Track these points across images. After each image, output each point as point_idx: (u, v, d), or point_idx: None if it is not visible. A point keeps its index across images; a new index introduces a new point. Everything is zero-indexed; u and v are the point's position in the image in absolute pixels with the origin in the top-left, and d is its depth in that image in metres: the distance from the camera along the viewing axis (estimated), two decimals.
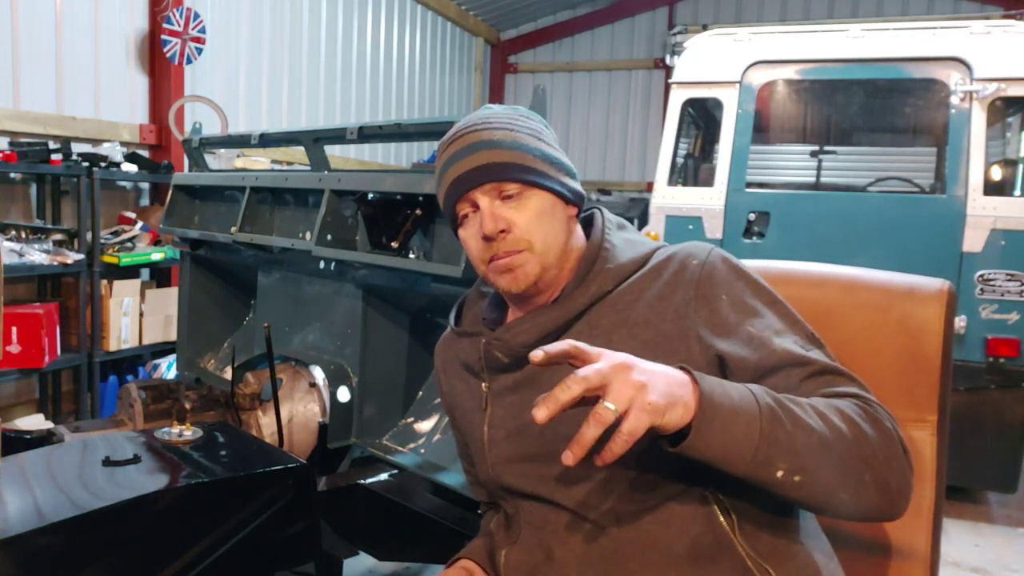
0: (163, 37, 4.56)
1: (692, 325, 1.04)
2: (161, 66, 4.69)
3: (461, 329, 1.22)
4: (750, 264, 1.16)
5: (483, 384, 1.16)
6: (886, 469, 0.93)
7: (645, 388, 0.84)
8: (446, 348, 1.27)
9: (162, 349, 4.41)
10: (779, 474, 0.89)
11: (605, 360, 0.86)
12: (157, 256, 4.32)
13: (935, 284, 1.17)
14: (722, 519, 0.99)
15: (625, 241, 1.15)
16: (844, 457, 0.91)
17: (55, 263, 3.76)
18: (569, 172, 1.14)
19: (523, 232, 1.08)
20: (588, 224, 1.19)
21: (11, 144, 3.80)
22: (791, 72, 3.79)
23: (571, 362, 0.88)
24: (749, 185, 3.84)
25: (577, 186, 1.14)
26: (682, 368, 0.90)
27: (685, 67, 3.95)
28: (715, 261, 1.07)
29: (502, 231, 1.07)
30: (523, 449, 1.11)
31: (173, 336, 3.94)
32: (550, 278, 1.11)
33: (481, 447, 1.16)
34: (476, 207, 1.10)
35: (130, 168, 4.27)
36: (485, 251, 1.09)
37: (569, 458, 0.84)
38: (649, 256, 1.13)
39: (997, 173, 3.66)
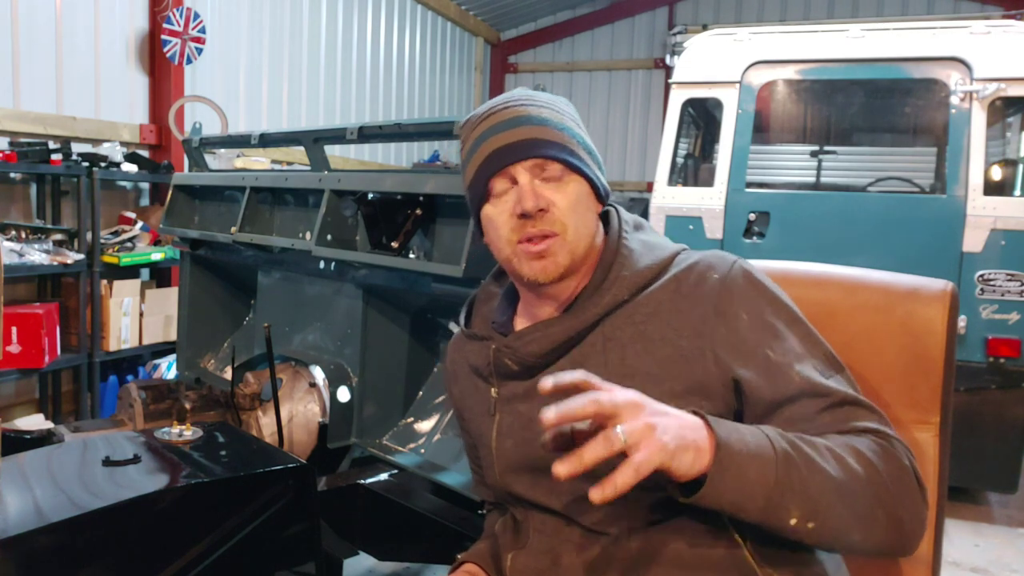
0: (163, 37, 4.56)
1: (709, 344, 1.00)
2: (161, 66, 4.69)
3: (471, 332, 1.18)
4: (757, 263, 1.13)
5: (492, 389, 1.13)
6: (899, 507, 0.92)
7: (655, 429, 0.81)
8: (456, 349, 1.24)
9: (162, 349, 4.41)
10: (792, 521, 0.88)
11: (619, 394, 0.84)
12: (157, 256, 4.32)
13: (938, 285, 1.17)
14: (733, 531, 0.97)
15: (643, 244, 1.10)
16: (858, 499, 0.90)
17: (55, 263, 3.76)
18: (601, 167, 1.11)
19: (561, 214, 1.03)
20: (603, 222, 1.14)
21: (11, 144, 3.80)
22: (791, 72, 3.79)
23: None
24: (749, 185, 3.84)
25: (606, 183, 1.11)
26: (695, 413, 0.88)
27: (685, 67, 3.95)
28: (736, 276, 1.03)
29: (541, 210, 1.02)
30: (532, 460, 1.08)
31: (173, 336, 3.94)
32: (574, 269, 1.06)
33: (489, 453, 1.14)
34: (512, 183, 1.05)
35: (130, 168, 4.27)
36: (516, 231, 1.04)
37: (561, 471, 0.80)
38: (668, 263, 1.07)
39: (997, 173, 3.65)
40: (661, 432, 0.81)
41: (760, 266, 1.10)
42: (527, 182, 1.03)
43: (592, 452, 0.80)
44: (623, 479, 0.79)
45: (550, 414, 0.82)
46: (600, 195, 1.09)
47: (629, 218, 1.15)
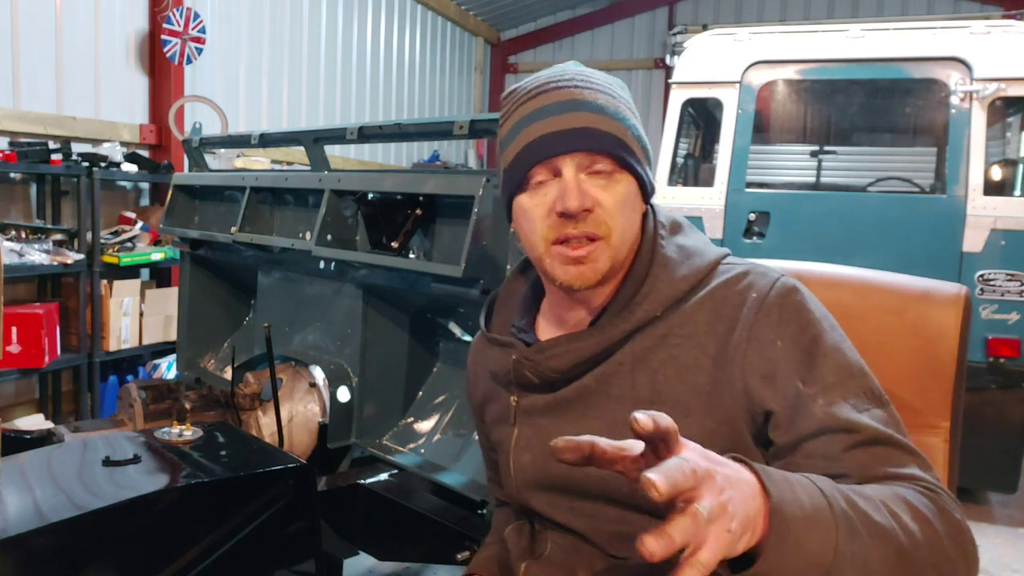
0: (163, 37, 4.56)
1: (740, 372, 0.91)
2: (161, 66, 4.69)
3: (491, 336, 1.10)
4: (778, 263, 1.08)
5: (512, 398, 1.07)
6: (955, 570, 0.81)
7: (727, 508, 0.67)
8: (477, 351, 1.18)
9: (162, 349, 4.41)
10: None
11: (694, 456, 0.68)
12: (157, 256, 4.32)
13: (951, 288, 1.15)
14: None
15: (679, 250, 1.00)
16: (917, 564, 0.79)
17: (55, 263, 3.76)
18: (651, 161, 1.00)
19: (607, 216, 0.93)
20: None
21: (11, 144, 3.80)
22: (791, 72, 3.79)
23: (657, 441, 0.69)
24: (749, 185, 3.84)
25: (653, 179, 1.01)
26: (742, 462, 0.73)
27: (685, 67, 3.95)
28: (775, 297, 0.93)
29: (585, 210, 0.92)
30: (551, 478, 1.02)
31: (173, 336, 3.94)
32: (614, 275, 0.98)
33: (507, 463, 1.09)
34: (556, 174, 0.94)
35: (130, 168, 4.27)
36: (554, 229, 0.94)
37: (656, 549, 0.62)
38: (707, 273, 0.98)
39: (997, 173, 3.66)
40: (730, 518, 0.67)
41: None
42: (572, 176, 0.93)
43: (682, 532, 0.64)
44: None
45: (647, 424, 0.66)
46: (646, 193, 1.00)
47: (665, 218, 1.04)
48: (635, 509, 0.95)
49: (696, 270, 0.98)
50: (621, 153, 0.94)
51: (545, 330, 1.08)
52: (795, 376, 0.90)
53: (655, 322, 0.97)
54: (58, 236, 3.90)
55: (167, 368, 4.28)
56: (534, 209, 0.96)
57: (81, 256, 3.91)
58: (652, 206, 1.05)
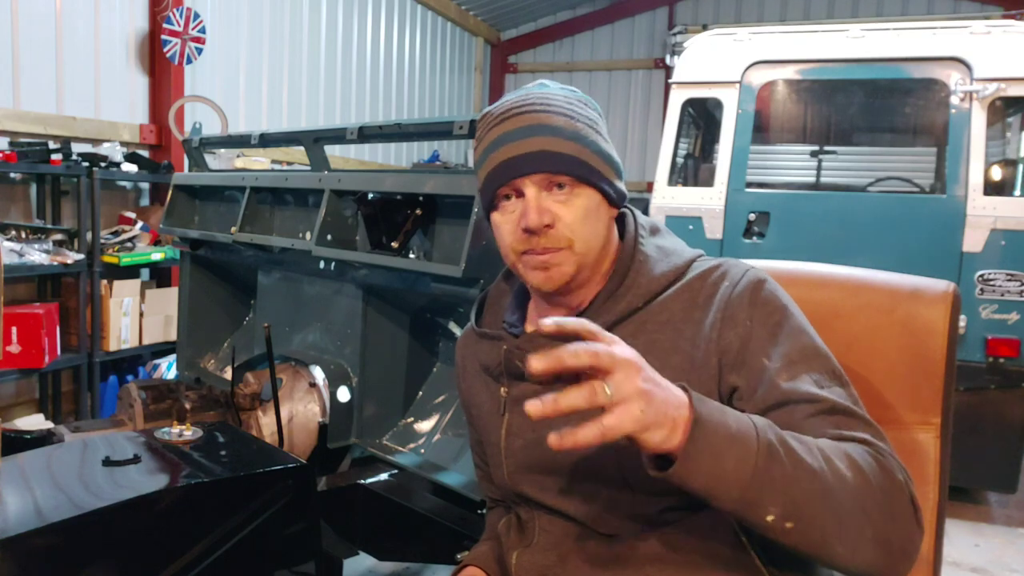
0: (163, 37, 4.56)
1: (716, 351, 0.99)
2: (161, 66, 4.69)
3: (482, 330, 1.18)
4: (760, 263, 1.12)
5: (502, 388, 1.13)
6: (889, 525, 0.86)
7: (643, 397, 0.76)
8: (465, 346, 1.24)
9: (162, 349, 4.41)
10: (769, 518, 0.82)
11: (619, 349, 0.78)
12: (157, 256, 4.32)
13: (940, 286, 1.17)
14: (740, 533, 0.97)
15: (658, 250, 1.09)
16: (845, 508, 0.84)
17: (55, 263, 3.76)
18: (618, 171, 1.08)
19: (567, 230, 1.01)
20: (620, 225, 1.12)
21: (11, 144, 3.80)
22: (791, 72, 3.79)
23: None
24: (749, 185, 3.84)
25: (623, 187, 1.09)
26: (683, 388, 0.83)
27: (685, 67, 3.95)
28: (746, 284, 1.01)
29: (546, 226, 1.00)
30: (541, 461, 1.07)
31: (173, 336, 3.94)
32: (584, 278, 1.06)
33: (497, 452, 1.14)
34: (520, 194, 1.03)
35: (130, 168, 4.27)
36: (521, 243, 1.03)
37: (532, 409, 0.76)
38: (684, 270, 1.06)
39: (997, 173, 3.66)
40: (646, 403, 0.76)
41: (763, 266, 1.09)
42: (533, 196, 1.01)
43: (570, 399, 0.75)
44: (585, 436, 0.75)
45: (538, 364, 0.76)
46: (613, 201, 1.07)
47: (645, 222, 1.13)
48: (623, 487, 1.00)
49: (674, 267, 1.07)
50: (577, 170, 1.02)
51: (533, 326, 1.14)
52: (761, 354, 0.97)
53: (636, 313, 1.05)
54: (58, 236, 3.90)
55: (167, 368, 4.28)
56: (504, 225, 1.05)
57: (81, 256, 3.91)
58: (632, 212, 1.13)
